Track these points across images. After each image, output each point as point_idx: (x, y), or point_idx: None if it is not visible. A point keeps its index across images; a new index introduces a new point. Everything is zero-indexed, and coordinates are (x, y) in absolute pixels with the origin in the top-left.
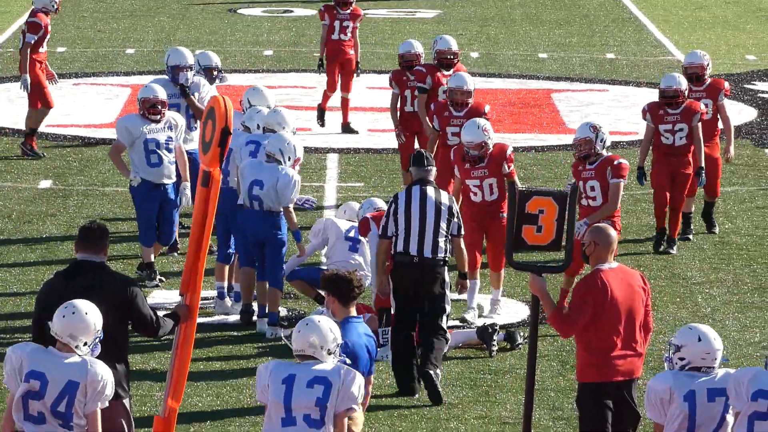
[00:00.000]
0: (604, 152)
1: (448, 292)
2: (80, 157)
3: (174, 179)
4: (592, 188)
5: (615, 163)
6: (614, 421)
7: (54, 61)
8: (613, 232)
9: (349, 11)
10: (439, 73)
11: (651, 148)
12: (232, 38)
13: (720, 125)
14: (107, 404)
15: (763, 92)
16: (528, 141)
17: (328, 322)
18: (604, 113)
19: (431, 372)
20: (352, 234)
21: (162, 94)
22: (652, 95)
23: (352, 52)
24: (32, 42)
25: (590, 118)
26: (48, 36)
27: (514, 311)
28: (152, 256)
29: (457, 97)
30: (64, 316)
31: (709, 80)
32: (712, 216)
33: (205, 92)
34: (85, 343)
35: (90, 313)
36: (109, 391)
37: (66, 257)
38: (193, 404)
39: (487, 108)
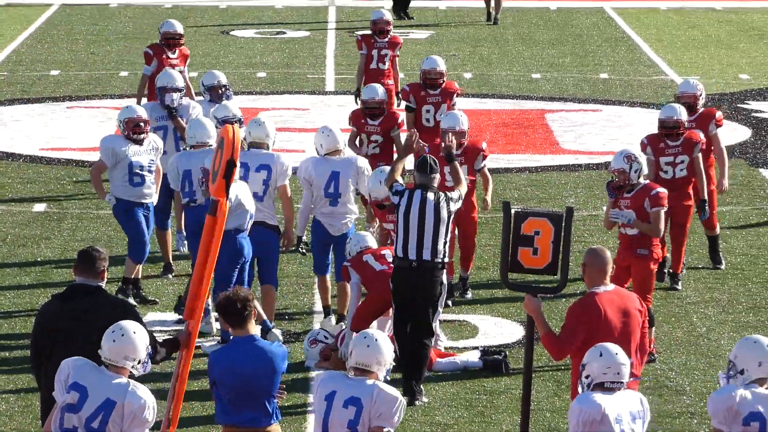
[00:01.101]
0: (642, 180)
1: (444, 295)
2: (74, 180)
3: (153, 200)
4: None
5: (652, 193)
6: None
7: (48, 84)
8: (607, 255)
9: (387, 39)
10: (423, 93)
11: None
12: (225, 60)
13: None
14: (147, 431)
15: (756, 111)
16: (522, 162)
17: (385, 339)
18: (597, 133)
19: (416, 402)
20: (331, 189)
21: (143, 113)
22: (646, 115)
23: (391, 82)
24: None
25: (584, 138)
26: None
27: (509, 332)
28: (133, 273)
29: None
30: (114, 340)
31: (700, 110)
32: (718, 251)
33: (195, 114)
34: (139, 361)
35: (138, 332)
36: (150, 417)
37: (60, 280)
38: (189, 429)
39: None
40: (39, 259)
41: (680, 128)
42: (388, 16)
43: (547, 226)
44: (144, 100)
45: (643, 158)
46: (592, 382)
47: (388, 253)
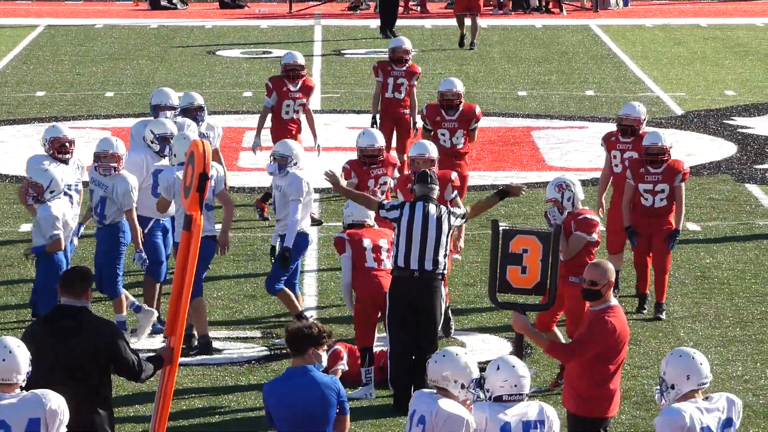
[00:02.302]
0: (573, 208)
1: (443, 306)
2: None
3: (77, 219)
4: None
5: (579, 217)
6: None
7: (33, 105)
8: (611, 266)
9: (404, 68)
10: (439, 117)
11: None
12: (211, 80)
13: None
14: (64, 430)
15: (742, 127)
16: (509, 179)
17: (465, 355)
18: (584, 150)
19: None
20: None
21: (69, 132)
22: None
23: (406, 111)
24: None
25: (570, 155)
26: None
27: (496, 348)
28: None
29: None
30: (3, 359)
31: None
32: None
33: (191, 131)
34: (27, 372)
35: (20, 346)
36: (66, 418)
37: None
38: None
39: (478, 109)
40: (25, 279)
41: (664, 155)
42: (408, 45)
43: (535, 244)
44: (267, 132)
45: (575, 186)
46: (491, 396)
47: (384, 243)
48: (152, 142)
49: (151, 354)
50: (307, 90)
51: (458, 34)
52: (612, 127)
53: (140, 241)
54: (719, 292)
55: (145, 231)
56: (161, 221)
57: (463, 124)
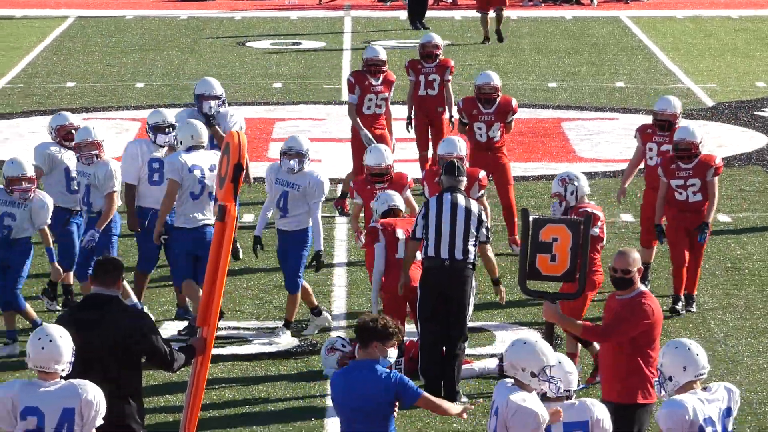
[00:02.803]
0: (576, 202)
1: (473, 296)
2: None
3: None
4: None
5: (581, 211)
6: None
7: (64, 96)
8: (637, 254)
9: (435, 64)
10: (476, 110)
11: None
12: (240, 71)
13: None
14: (101, 421)
15: None
16: (538, 170)
17: (535, 343)
18: (614, 141)
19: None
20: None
21: (74, 120)
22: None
23: (440, 108)
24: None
25: (601, 146)
26: (367, 95)
27: None
28: (61, 278)
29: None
30: (43, 347)
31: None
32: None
33: (233, 123)
34: (69, 363)
35: (63, 336)
36: (102, 409)
37: (77, 291)
38: None
39: (514, 102)
40: (47, 269)
41: (693, 150)
42: (438, 39)
43: (565, 232)
44: (346, 128)
45: (580, 180)
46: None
47: (401, 232)
48: (147, 132)
49: (183, 344)
50: (389, 84)
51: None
52: (644, 118)
53: (103, 225)
54: (750, 284)
55: (146, 223)
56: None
57: (499, 117)
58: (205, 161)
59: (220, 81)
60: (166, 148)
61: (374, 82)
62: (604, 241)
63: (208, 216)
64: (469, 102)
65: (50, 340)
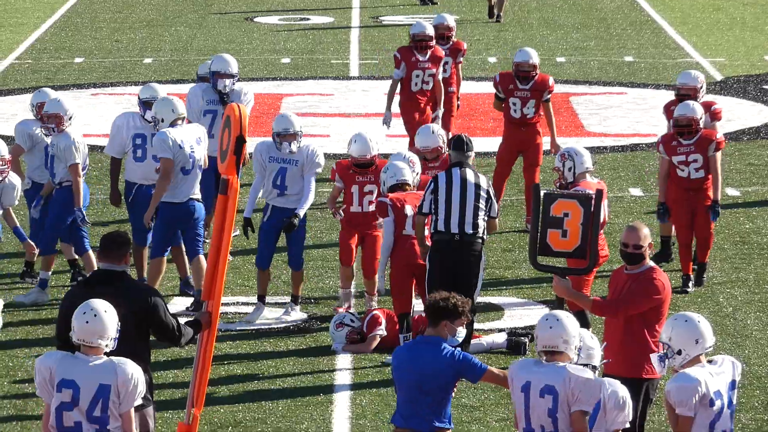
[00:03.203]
0: (573, 178)
1: (482, 271)
2: (99, 166)
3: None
4: None
5: (573, 189)
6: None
7: (72, 72)
8: (647, 228)
9: (447, 46)
10: (512, 85)
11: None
12: (249, 46)
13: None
14: (140, 401)
15: None
16: (547, 145)
17: (569, 317)
18: (622, 116)
19: None
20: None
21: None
22: (671, 98)
23: (452, 89)
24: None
25: (609, 121)
26: (414, 72)
27: (535, 314)
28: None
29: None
30: (87, 321)
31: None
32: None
33: (247, 101)
34: (111, 339)
35: (108, 311)
36: (141, 388)
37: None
38: (214, 410)
39: (551, 80)
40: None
41: (693, 126)
42: (450, 21)
43: (576, 207)
44: (394, 105)
45: (580, 157)
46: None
47: (409, 209)
48: (138, 105)
49: (190, 319)
50: (436, 60)
51: None
52: (652, 93)
53: (80, 200)
54: (759, 257)
55: (130, 198)
56: (144, 186)
57: (535, 94)
58: (191, 135)
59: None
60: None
61: (421, 58)
62: (607, 217)
63: (195, 191)
64: (506, 77)
65: (95, 315)
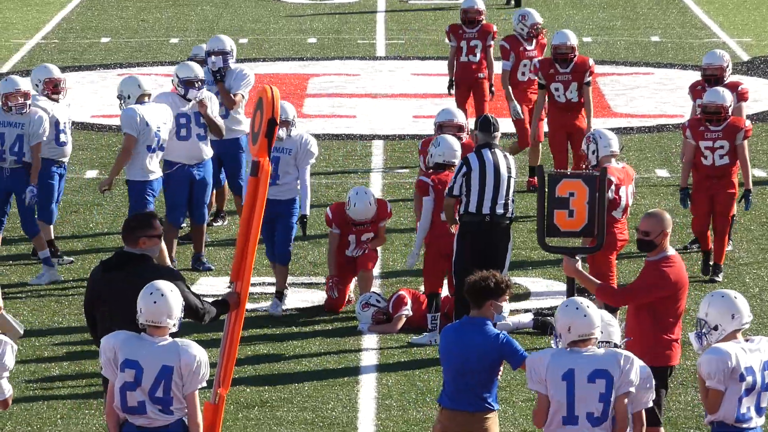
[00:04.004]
0: (597, 162)
1: (510, 251)
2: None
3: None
4: None
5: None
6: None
7: (98, 52)
8: (667, 216)
9: (476, 30)
10: (552, 70)
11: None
12: (275, 26)
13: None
14: (204, 384)
15: None
16: None
17: (591, 304)
18: (649, 96)
19: None
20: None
21: (58, 73)
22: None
23: (482, 75)
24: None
25: (636, 101)
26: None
27: (561, 294)
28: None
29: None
30: (155, 302)
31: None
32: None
33: (245, 83)
34: (179, 318)
35: (173, 291)
36: (205, 370)
37: (112, 246)
38: (240, 390)
39: (591, 61)
40: (91, 226)
41: (722, 113)
42: (480, 5)
43: (581, 187)
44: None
45: (603, 139)
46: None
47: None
48: (178, 86)
49: (218, 299)
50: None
51: None
52: (679, 73)
53: (36, 177)
54: None
55: (169, 175)
56: (186, 166)
57: (576, 77)
58: (158, 115)
59: (254, 36)
60: (193, 102)
61: (528, 47)
62: (630, 201)
63: (158, 170)
64: (546, 63)
65: (162, 295)
